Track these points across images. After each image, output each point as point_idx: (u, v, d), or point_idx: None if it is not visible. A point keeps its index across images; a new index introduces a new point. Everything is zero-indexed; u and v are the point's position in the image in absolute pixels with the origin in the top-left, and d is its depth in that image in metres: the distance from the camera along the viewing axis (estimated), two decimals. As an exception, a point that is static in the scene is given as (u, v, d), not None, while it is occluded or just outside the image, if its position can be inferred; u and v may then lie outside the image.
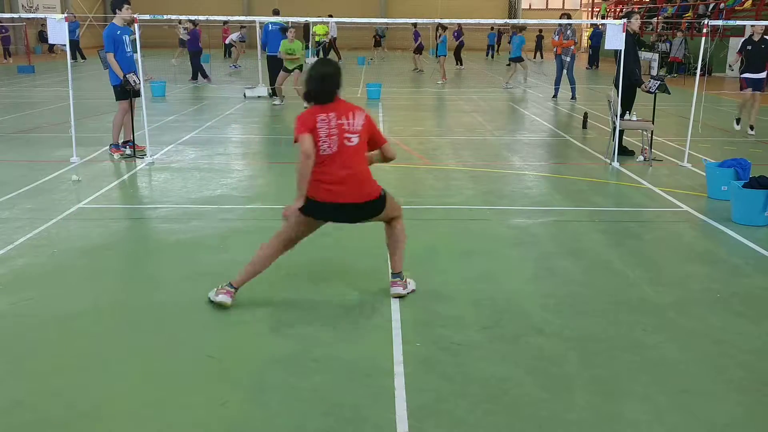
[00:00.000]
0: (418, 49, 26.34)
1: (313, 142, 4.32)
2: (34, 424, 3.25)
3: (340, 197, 4.42)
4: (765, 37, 11.96)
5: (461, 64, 28.34)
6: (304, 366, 3.78)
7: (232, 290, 4.57)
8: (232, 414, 3.34)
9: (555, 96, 17.44)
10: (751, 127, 12.06)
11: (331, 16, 22.28)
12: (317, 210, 4.52)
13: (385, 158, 4.72)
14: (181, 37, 22.11)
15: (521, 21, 28.35)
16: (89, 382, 3.62)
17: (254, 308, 4.58)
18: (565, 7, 47.33)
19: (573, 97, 16.97)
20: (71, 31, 32.60)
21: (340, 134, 4.37)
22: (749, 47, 12.23)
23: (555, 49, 17.17)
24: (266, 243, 4.66)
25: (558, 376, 3.71)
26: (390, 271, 4.84)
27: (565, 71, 16.99)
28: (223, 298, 4.53)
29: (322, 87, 4.40)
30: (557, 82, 17.57)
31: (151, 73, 19.99)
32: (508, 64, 31.76)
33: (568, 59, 16.79)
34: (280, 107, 15.15)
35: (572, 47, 16.77)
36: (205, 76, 20.61)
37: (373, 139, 4.54)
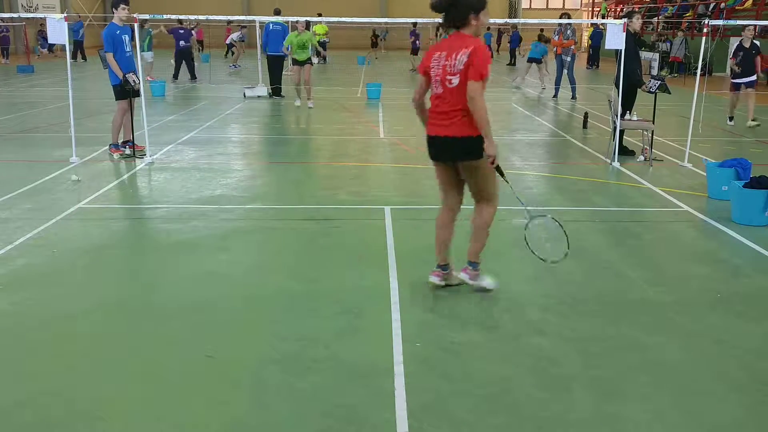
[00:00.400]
0: (414, 50, 26.32)
1: (426, 82, 4.56)
2: (34, 424, 3.24)
3: (437, 130, 4.55)
4: (754, 42, 12.48)
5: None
6: (303, 366, 3.78)
7: (441, 271, 4.77)
8: (232, 414, 3.33)
9: (555, 96, 17.44)
10: (754, 119, 12.62)
11: (320, 14, 22.16)
12: (429, 145, 4.67)
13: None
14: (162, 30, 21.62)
15: (521, 21, 28.33)
16: (89, 382, 3.62)
17: (254, 308, 4.58)
18: (566, 7, 47.35)
19: (573, 97, 16.97)
20: (75, 31, 32.66)
21: (443, 75, 4.45)
22: (741, 53, 12.73)
23: (555, 49, 17.18)
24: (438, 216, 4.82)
25: (558, 376, 3.71)
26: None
27: (565, 71, 17.00)
28: (433, 279, 4.77)
29: (453, 6, 4.39)
30: (557, 82, 17.57)
31: (153, 73, 20.05)
32: (509, 63, 31.98)
33: (569, 59, 16.80)
34: (300, 106, 14.98)
35: (572, 47, 16.77)
36: (176, 76, 20.64)
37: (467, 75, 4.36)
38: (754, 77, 12.70)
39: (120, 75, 8.99)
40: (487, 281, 4.84)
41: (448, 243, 4.85)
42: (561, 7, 46.31)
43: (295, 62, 14.93)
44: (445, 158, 4.65)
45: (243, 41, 28.79)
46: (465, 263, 4.81)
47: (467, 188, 4.74)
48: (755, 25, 12.45)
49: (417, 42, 26.46)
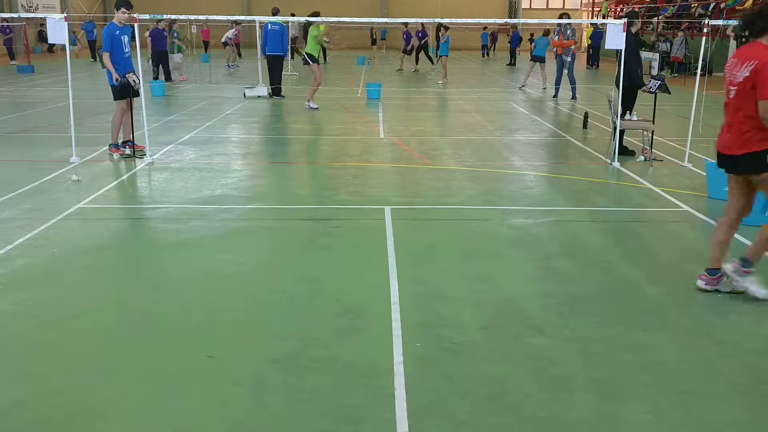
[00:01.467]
0: (407, 50, 26.16)
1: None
2: (34, 425, 3.24)
3: (720, 147, 4.67)
4: None
5: (417, 64, 26.52)
6: (304, 366, 3.77)
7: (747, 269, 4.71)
8: (232, 414, 3.33)
9: (555, 96, 17.44)
10: None
11: (293, 14, 21.85)
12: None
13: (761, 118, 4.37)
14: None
15: (521, 20, 28.33)
16: (89, 382, 3.62)
17: (254, 308, 4.58)
18: (566, 7, 47.35)
19: (573, 97, 16.96)
20: (89, 32, 32.62)
21: (728, 85, 4.54)
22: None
23: (555, 49, 17.16)
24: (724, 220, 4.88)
25: (558, 376, 3.71)
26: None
27: (565, 71, 17.00)
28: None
29: (756, 21, 4.45)
30: (557, 82, 17.57)
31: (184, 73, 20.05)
32: (509, 63, 31.97)
33: (569, 59, 16.78)
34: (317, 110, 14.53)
35: (572, 47, 16.75)
36: (157, 77, 20.11)
37: (755, 91, 4.34)
38: None
39: (114, 74, 8.97)
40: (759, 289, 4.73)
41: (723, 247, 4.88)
42: (561, 7, 46.34)
43: (312, 59, 14.61)
44: (727, 171, 4.74)
45: (233, 38, 28.40)
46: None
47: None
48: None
49: (412, 42, 26.29)
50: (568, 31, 16.55)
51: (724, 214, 4.92)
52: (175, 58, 20.74)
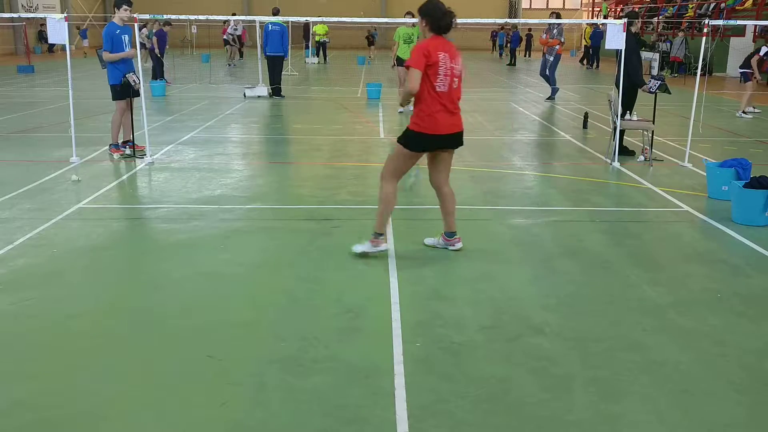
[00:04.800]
0: None
1: (426, 76, 5.05)
2: (34, 424, 3.24)
3: (452, 128, 5.25)
4: None
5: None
6: (303, 366, 3.78)
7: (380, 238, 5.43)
8: (232, 414, 3.33)
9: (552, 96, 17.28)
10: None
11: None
12: (435, 141, 5.26)
13: None
14: (142, 41, 19.98)
15: (521, 20, 28.33)
16: (89, 382, 3.62)
17: (254, 308, 4.58)
18: (566, 7, 47.37)
19: (551, 97, 16.65)
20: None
21: (451, 77, 5.12)
22: None
23: (543, 48, 17.07)
24: (383, 183, 5.47)
25: (558, 376, 3.71)
26: (446, 230, 5.62)
27: (548, 71, 16.79)
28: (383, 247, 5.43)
29: (445, 19, 5.13)
30: (552, 82, 17.32)
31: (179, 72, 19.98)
32: (509, 63, 31.99)
33: (551, 59, 16.54)
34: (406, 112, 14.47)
35: (557, 47, 16.51)
36: (157, 76, 20.08)
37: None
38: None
39: (126, 52, 8.97)
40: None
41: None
42: (561, 7, 46.37)
43: (400, 62, 13.82)
44: (450, 146, 5.39)
45: (235, 34, 28.14)
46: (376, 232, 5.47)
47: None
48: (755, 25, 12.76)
49: None
50: (554, 31, 16.42)
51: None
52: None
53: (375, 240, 5.46)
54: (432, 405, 3.41)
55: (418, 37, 13.75)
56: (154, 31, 19.98)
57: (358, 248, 5.46)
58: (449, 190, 5.56)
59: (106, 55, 9.01)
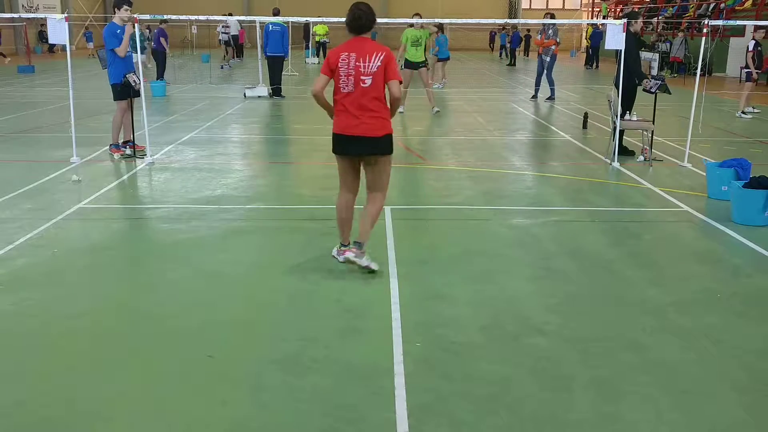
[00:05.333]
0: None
1: (333, 79, 5.01)
2: (34, 425, 3.24)
3: (353, 130, 5.00)
4: None
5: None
6: (303, 366, 3.78)
7: (349, 248, 5.13)
8: (232, 414, 3.34)
9: (534, 96, 17.06)
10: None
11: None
12: (339, 143, 5.12)
13: (391, 98, 5.05)
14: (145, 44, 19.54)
15: (521, 21, 28.34)
16: (89, 382, 3.62)
17: (254, 308, 4.58)
18: (566, 7, 47.37)
19: (551, 97, 16.65)
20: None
21: (356, 75, 4.93)
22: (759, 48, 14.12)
23: (539, 49, 17.05)
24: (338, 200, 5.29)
25: (558, 376, 3.71)
26: (353, 239, 5.18)
27: (545, 72, 16.75)
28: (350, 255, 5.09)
29: (355, 22, 4.99)
30: (537, 83, 17.20)
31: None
32: (509, 64, 32.00)
33: (548, 59, 16.49)
34: (437, 113, 14.03)
35: (553, 47, 16.46)
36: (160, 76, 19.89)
37: (385, 78, 4.96)
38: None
39: (125, 44, 8.94)
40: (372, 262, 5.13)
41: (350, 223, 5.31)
42: (561, 7, 46.37)
43: (408, 64, 13.71)
44: (353, 153, 5.13)
45: (228, 33, 27.92)
46: (354, 244, 5.16)
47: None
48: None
49: None
50: (550, 31, 16.39)
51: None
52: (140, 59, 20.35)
53: (338, 250, 5.27)
54: (432, 405, 3.41)
55: (425, 39, 13.71)
56: (155, 31, 19.91)
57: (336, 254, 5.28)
58: (377, 206, 5.23)
59: (118, 50, 8.99)
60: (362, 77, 4.93)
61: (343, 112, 5.05)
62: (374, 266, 5.09)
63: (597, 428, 3.25)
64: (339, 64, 4.97)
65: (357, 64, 4.92)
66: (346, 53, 4.97)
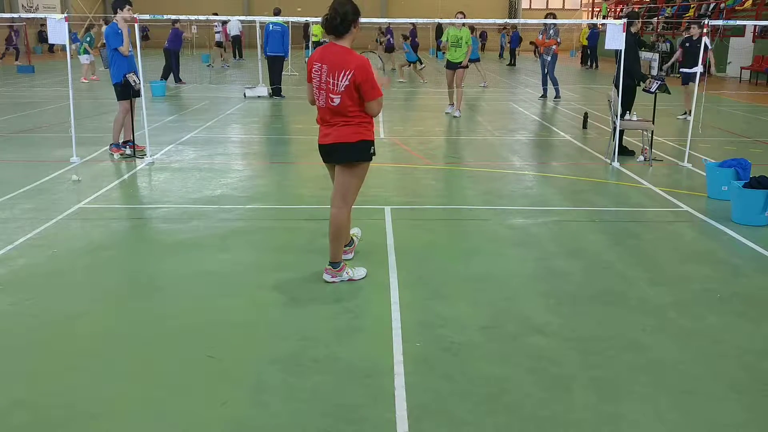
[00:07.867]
0: (389, 49, 25.97)
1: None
2: (34, 425, 3.24)
3: (325, 139, 4.81)
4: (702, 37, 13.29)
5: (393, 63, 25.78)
6: (303, 366, 3.78)
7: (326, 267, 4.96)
8: (232, 414, 3.34)
9: (544, 95, 17.35)
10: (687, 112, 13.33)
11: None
12: (320, 151, 4.95)
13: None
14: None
15: (521, 21, 28.32)
16: (89, 382, 3.62)
17: (254, 308, 4.58)
18: (566, 7, 47.35)
19: (557, 96, 16.89)
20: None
21: (327, 92, 4.64)
22: (687, 44, 13.68)
23: (540, 49, 17.18)
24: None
25: (558, 376, 3.71)
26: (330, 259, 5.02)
27: (547, 71, 16.95)
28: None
29: (327, 23, 4.62)
30: (544, 82, 17.46)
31: (152, 73, 19.96)
32: (509, 64, 31.98)
33: (549, 59, 16.67)
34: (459, 116, 13.90)
35: (554, 47, 16.58)
36: (177, 79, 19.97)
37: (360, 95, 4.64)
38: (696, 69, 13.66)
39: (126, 43, 8.97)
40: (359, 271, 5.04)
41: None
42: (561, 7, 46.35)
43: (449, 65, 13.75)
44: (327, 161, 4.96)
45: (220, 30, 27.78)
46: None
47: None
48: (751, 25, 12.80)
49: (391, 40, 26.05)
50: (551, 31, 16.53)
51: None
52: (82, 59, 20.33)
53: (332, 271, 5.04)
54: (432, 405, 3.41)
55: (466, 39, 13.56)
56: (170, 31, 19.77)
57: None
58: (334, 212, 4.93)
59: (121, 49, 9.00)
60: (331, 95, 4.60)
61: (320, 120, 4.84)
62: (358, 275, 5.00)
63: (597, 428, 3.25)
64: (312, 74, 4.68)
65: (328, 79, 4.57)
66: (319, 64, 4.62)
